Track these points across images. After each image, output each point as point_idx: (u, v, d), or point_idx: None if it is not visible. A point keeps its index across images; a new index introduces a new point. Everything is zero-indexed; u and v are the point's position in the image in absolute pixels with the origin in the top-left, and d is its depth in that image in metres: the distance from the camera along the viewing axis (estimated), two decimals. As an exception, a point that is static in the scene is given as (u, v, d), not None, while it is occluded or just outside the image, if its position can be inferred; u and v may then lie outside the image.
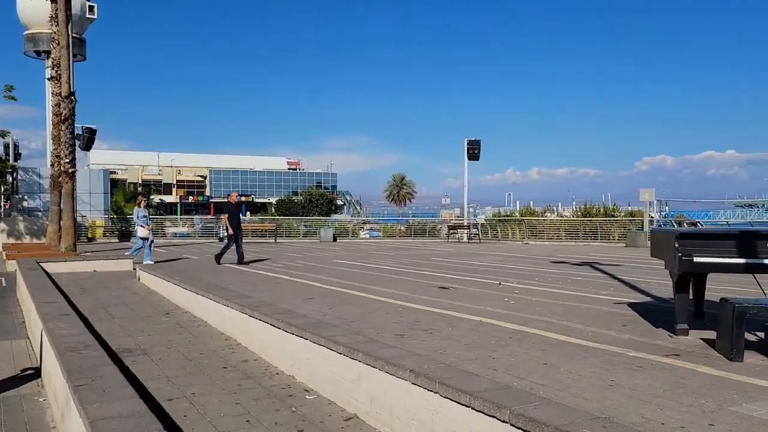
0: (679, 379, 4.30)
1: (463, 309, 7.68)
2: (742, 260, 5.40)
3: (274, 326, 5.77)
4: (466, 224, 31.34)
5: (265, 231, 30.93)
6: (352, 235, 33.11)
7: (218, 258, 14.97)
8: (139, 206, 16.29)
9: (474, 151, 31.16)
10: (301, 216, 43.84)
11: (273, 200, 77.08)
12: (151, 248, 15.94)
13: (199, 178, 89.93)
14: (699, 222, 23.62)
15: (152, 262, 15.26)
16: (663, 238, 6.24)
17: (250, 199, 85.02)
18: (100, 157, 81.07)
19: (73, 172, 18.66)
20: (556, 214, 34.69)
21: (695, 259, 5.46)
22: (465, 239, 29.79)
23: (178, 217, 48.86)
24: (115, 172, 79.62)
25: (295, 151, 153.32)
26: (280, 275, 12.38)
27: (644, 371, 4.54)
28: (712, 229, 6.87)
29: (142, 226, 15.80)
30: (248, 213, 71.49)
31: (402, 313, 7.41)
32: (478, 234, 29.55)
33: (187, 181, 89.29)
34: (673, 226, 21.91)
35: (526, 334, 6.02)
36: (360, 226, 39.55)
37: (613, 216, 28.54)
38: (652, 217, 29.34)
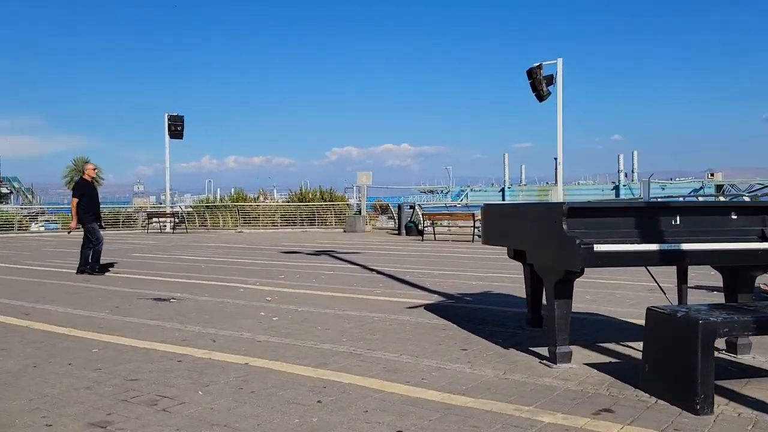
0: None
1: (206, 340, 4.76)
2: (654, 246, 3.62)
3: None
4: (169, 211, 27.22)
5: None
6: (18, 229, 26.35)
7: (83, 267, 9.70)
8: None
9: (177, 128, 27.09)
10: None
11: None
12: None
13: None
14: (418, 204, 23.70)
15: None
16: (527, 217, 4.25)
17: None
18: None
19: None
20: (269, 199, 32.51)
21: (596, 248, 3.51)
22: (168, 229, 25.78)
23: None
24: None
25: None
26: None
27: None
28: (606, 202, 5.13)
29: None
30: None
31: (96, 355, 4.19)
32: (184, 222, 25.78)
33: None
34: (399, 209, 21.44)
35: (336, 388, 3.45)
36: (33, 217, 32.18)
37: (330, 201, 27.39)
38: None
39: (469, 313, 5.90)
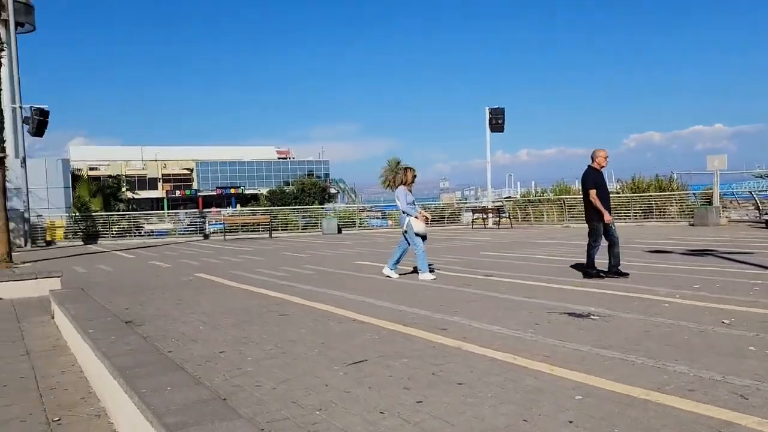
0: None
1: (764, 402, 3.29)
2: None
3: None
4: (491, 207, 26.97)
5: (257, 224, 26.40)
6: (359, 225, 28.67)
7: (590, 270, 8.55)
8: (406, 185, 9.18)
9: (497, 122, 26.71)
10: (294, 206, 39.22)
11: (264, 191, 72.36)
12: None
13: (186, 172, 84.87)
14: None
15: (431, 277, 8.84)
16: None
17: (239, 190, 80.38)
18: (81, 153, 76.28)
19: (2, 158, 14.09)
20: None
21: None
22: (491, 224, 25.47)
23: (165, 212, 44.11)
24: (96, 168, 74.81)
25: (283, 141, 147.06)
26: (286, 296, 7.93)
27: None
28: None
29: (415, 216, 9.03)
30: (238, 205, 66.81)
31: (589, 407, 3.02)
32: (508, 218, 25.17)
33: (173, 175, 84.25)
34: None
35: None
36: (357, 214, 35.26)
37: (669, 190, 24.08)
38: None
39: None
